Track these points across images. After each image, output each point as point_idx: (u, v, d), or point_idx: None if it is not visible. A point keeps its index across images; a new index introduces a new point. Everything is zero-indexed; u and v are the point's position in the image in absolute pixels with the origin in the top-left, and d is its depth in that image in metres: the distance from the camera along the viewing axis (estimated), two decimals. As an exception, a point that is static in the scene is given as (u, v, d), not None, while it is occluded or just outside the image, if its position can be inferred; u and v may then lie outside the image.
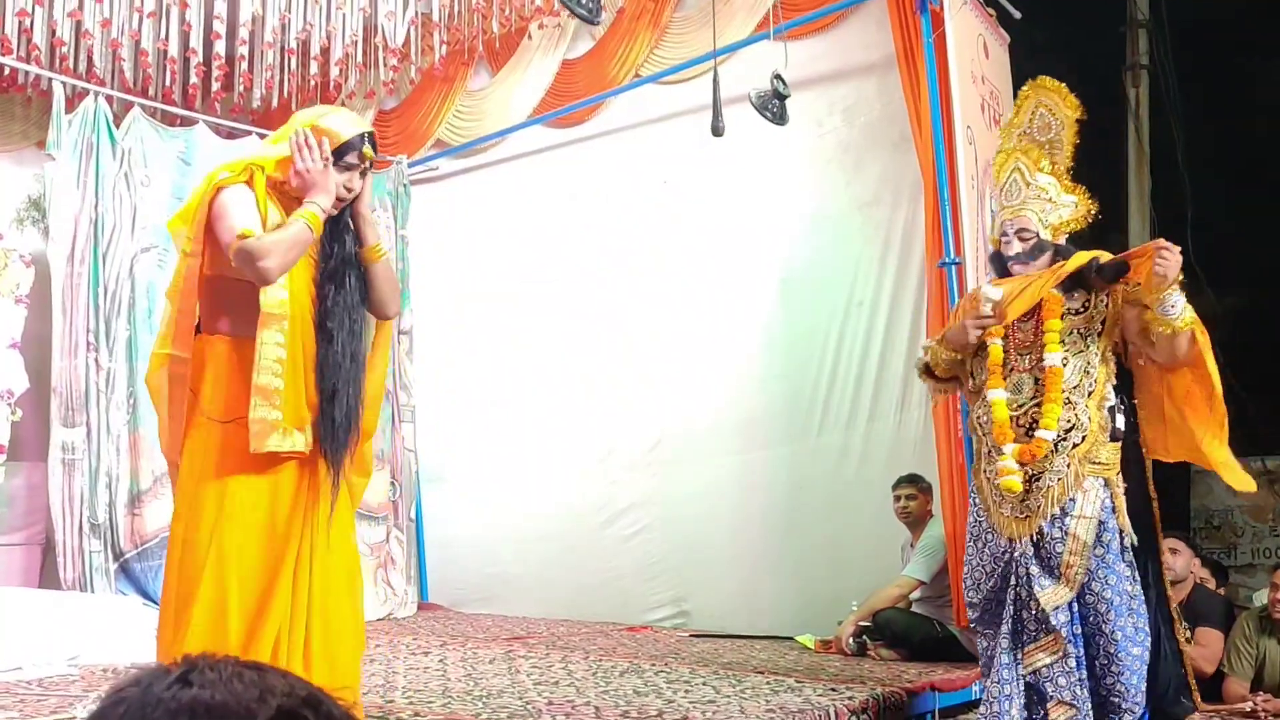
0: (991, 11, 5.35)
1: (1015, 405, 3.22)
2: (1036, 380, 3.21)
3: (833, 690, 3.88)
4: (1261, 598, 4.89)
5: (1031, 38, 5.79)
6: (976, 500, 3.35)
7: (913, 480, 5.10)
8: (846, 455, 5.66)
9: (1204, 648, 4.39)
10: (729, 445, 6.07)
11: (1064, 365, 3.16)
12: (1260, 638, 4.39)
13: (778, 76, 5.13)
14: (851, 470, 5.62)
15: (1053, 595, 3.12)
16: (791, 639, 5.31)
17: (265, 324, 2.62)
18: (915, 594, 4.95)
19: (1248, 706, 4.12)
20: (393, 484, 6.85)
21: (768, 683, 4.04)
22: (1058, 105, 3.35)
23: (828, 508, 5.66)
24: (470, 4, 6.16)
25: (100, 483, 5.81)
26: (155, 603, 5.70)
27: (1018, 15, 5.49)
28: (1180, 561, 4.56)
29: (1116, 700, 3.13)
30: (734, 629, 5.66)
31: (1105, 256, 3.20)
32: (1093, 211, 3.29)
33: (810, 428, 5.79)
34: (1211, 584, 5.01)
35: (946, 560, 4.75)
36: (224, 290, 2.67)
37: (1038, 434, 3.15)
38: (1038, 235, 3.23)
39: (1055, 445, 3.14)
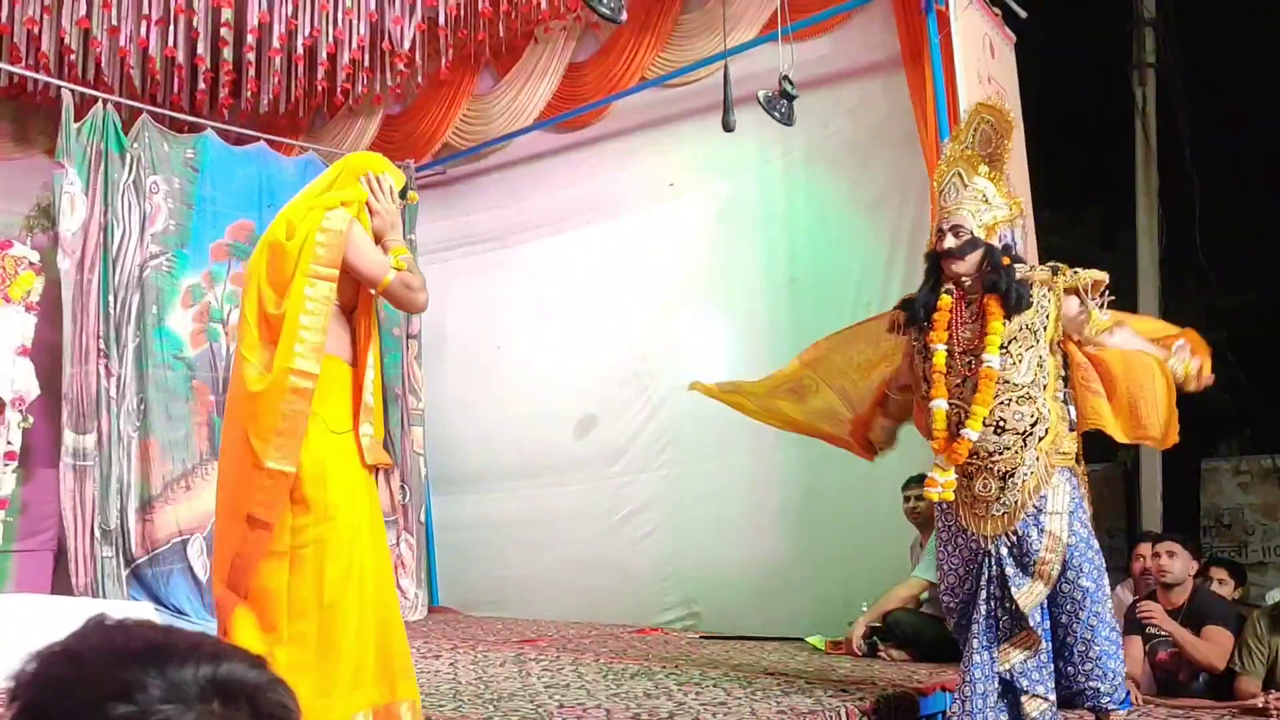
0: (997, 11, 5.35)
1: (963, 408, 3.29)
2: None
3: (843, 691, 3.88)
4: (1274, 596, 4.87)
5: (1038, 37, 5.79)
6: (943, 503, 3.37)
7: (922, 480, 5.08)
8: (856, 456, 5.64)
9: (1214, 644, 4.37)
10: (739, 446, 6.07)
11: (1018, 363, 3.22)
12: (1272, 636, 4.36)
13: (785, 78, 5.14)
14: (861, 471, 5.57)
15: (1029, 595, 3.16)
16: (802, 640, 5.30)
17: (369, 348, 3.04)
18: (925, 594, 4.94)
19: (1259, 701, 4.11)
20: (403, 487, 6.87)
21: (778, 684, 4.05)
22: (998, 120, 3.46)
23: (838, 509, 5.65)
24: (476, 8, 6.17)
25: (111, 489, 5.82)
26: (167, 608, 5.73)
27: (1024, 15, 5.49)
28: (1177, 565, 4.52)
29: (1095, 685, 3.16)
30: (745, 630, 5.66)
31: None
32: (1021, 214, 3.45)
33: (819, 428, 5.78)
34: (1229, 585, 4.99)
35: (956, 560, 4.74)
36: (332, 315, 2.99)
37: (962, 432, 3.22)
38: (971, 233, 3.30)
39: (1024, 440, 3.20)
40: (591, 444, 6.64)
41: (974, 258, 3.29)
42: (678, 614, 6.21)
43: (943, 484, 3.25)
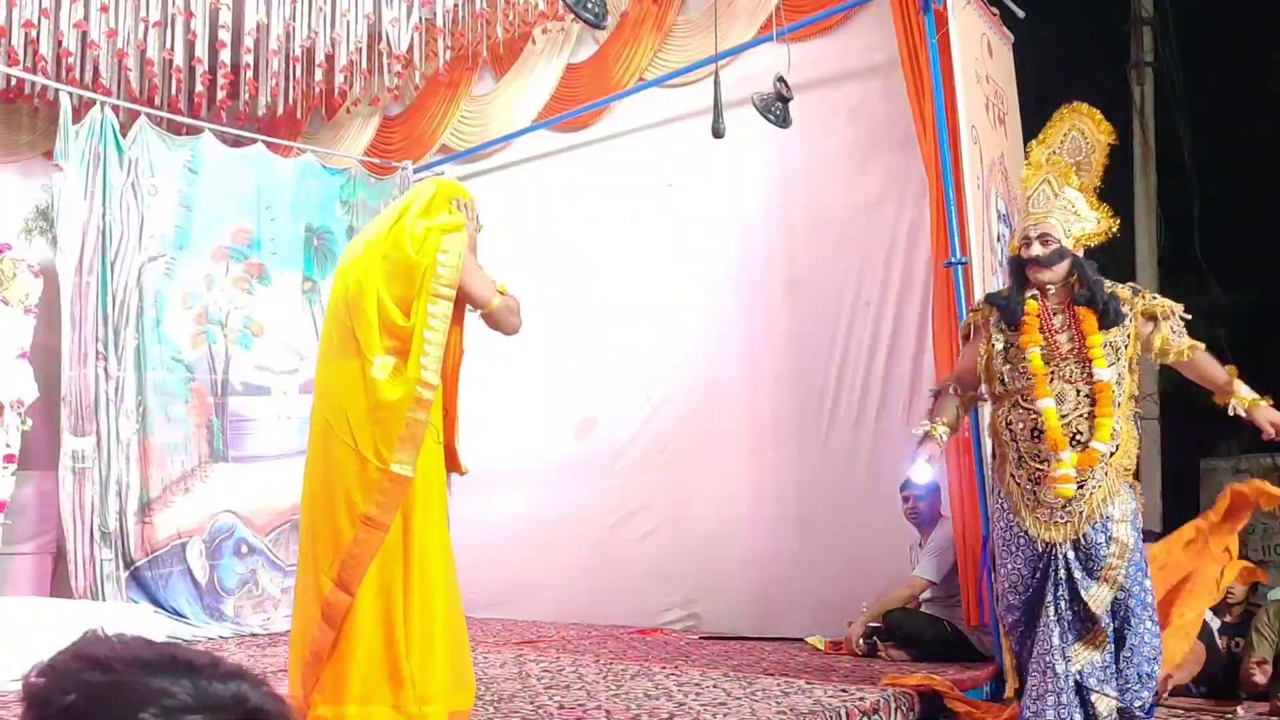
0: (995, 11, 5.34)
1: (1059, 415, 3.31)
2: (1078, 391, 3.30)
3: (843, 691, 3.88)
4: (1276, 594, 4.88)
5: (1035, 37, 5.79)
6: (1005, 505, 3.40)
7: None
8: (855, 456, 5.65)
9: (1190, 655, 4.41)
10: (738, 447, 6.07)
11: (1117, 381, 3.27)
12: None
13: (780, 79, 5.13)
14: (860, 471, 5.62)
15: (1100, 597, 3.23)
16: (802, 640, 5.30)
17: (458, 366, 3.31)
18: (925, 594, 4.94)
19: (1256, 676, 4.18)
20: (402, 489, 6.86)
21: (778, 684, 4.04)
22: (1090, 130, 3.50)
23: (837, 508, 5.65)
24: (474, 9, 6.17)
25: (110, 491, 5.83)
26: (166, 610, 5.72)
27: (1021, 14, 5.48)
28: None
29: (1136, 687, 3.24)
30: (744, 631, 5.66)
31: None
32: (1113, 229, 3.46)
33: (818, 428, 5.79)
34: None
35: (956, 560, 4.75)
36: None
37: (1092, 445, 3.26)
38: (1059, 242, 3.34)
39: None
40: (591, 444, 6.64)
41: (1061, 268, 3.35)
42: (678, 614, 6.20)
43: (1059, 478, 3.28)
